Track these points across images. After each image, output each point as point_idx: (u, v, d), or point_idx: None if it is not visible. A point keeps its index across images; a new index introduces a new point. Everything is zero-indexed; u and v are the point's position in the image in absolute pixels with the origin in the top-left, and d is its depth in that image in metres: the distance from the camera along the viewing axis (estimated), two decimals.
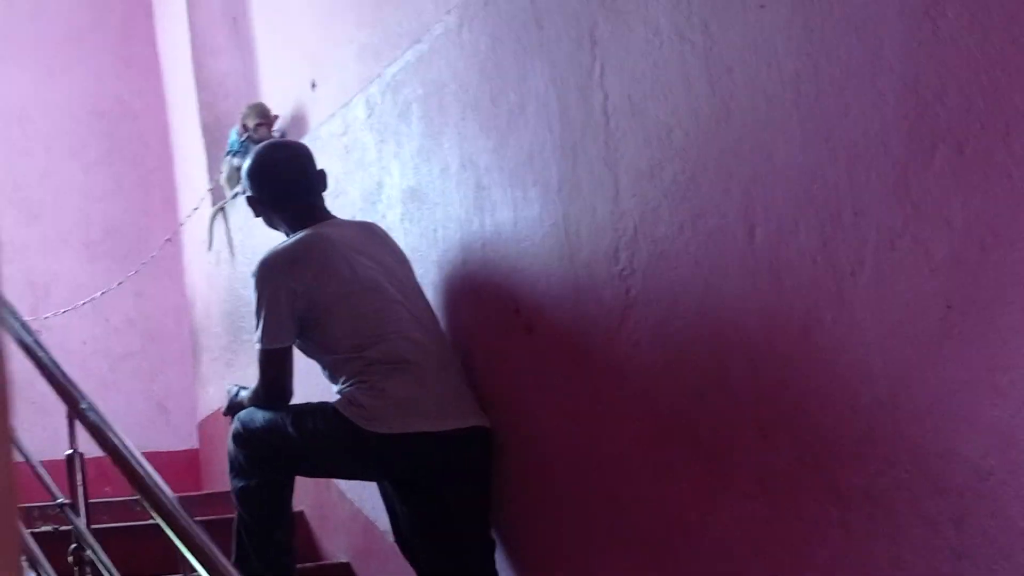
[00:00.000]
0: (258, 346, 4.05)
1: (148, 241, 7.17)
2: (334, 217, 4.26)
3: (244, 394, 4.19)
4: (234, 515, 5.57)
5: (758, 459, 2.91)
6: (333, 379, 4.03)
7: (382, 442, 3.83)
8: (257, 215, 4.32)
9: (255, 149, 4.45)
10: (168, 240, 7.01)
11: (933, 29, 2.41)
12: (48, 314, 6.92)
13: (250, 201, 4.31)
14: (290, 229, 4.18)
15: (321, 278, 3.97)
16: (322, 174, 4.26)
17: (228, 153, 6.12)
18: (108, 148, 7.48)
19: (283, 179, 4.24)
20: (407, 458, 3.87)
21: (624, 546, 3.37)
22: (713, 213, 3.00)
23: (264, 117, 5.97)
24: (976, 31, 2.34)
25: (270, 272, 4.03)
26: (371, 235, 4.21)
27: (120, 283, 7.01)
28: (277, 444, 3.99)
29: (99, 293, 7.00)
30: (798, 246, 2.75)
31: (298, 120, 5.85)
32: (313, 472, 4.45)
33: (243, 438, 4.06)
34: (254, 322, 4.05)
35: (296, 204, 4.21)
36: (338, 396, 3.95)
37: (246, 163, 4.37)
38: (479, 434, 3.89)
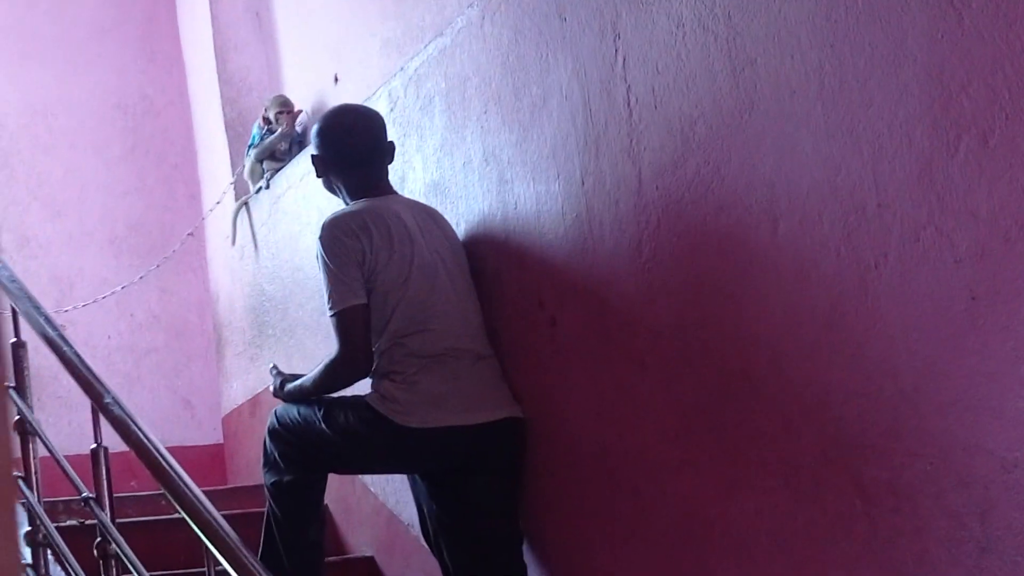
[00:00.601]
0: (331, 312, 3.90)
1: (172, 236, 7.18)
2: (396, 192, 4.19)
3: (291, 386, 4.11)
4: (261, 510, 5.60)
5: (781, 452, 2.90)
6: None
7: (415, 436, 3.81)
8: (319, 175, 4.20)
9: (329, 109, 4.33)
10: (190, 234, 7.02)
11: (957, 20, 2.40)
12: (69, 307, 6.94)
13: (315, 160, 4.18)
14: (350, 196, 4.11)
15: (385, 253, 3.89)
16: (391, 146, 4.17)
17: (250, 147, 6.13)
18: (132, 144, 7.49)
19: (353, 142, 4.13)
20: (440, 452, 3.85)
21: (647, 539, 3.37)
22: (736, 205, 2.99)
23: (285, 107, 5.98)
24: (1000, 21, 2.32)
25: (339, 232, 3.92)
26: (432, 219, 4.08)
27: (141, 277, 7.02)
28: (311, 440, 3.96)
29: (120, 287, 7.01)
30: (822, 238, 2.74)
31: (321, 114, 5.85)
32: (346, 468, 4.42)
33: (278, 434, 4.03)
34: (324, 289, 3.93)
35: (361, 171, 4.10)
36: (370, 388, 3.92)
37: (316, 123, 4.26)
38: (512, 425, 3.87)
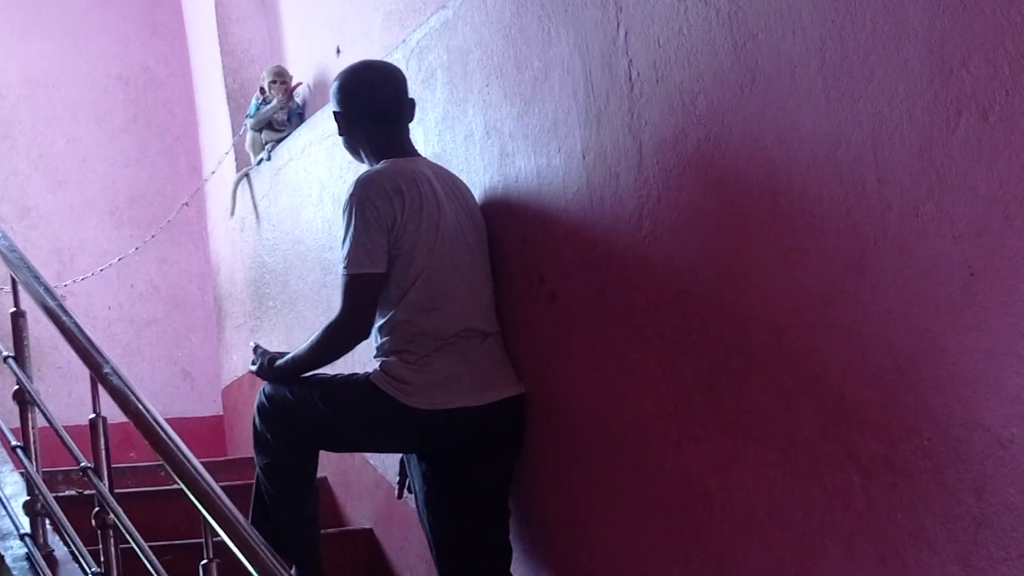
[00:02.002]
0: (343, 271, 3.81)
1: (172, 208, 7.20)
2: (420, 154, 4.10)
3: (282, 361, 4.02)
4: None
5: (780, 427, 2.90)
6: (375, 336, 3.90)
7: (423, 417, 3.77)
8: (341, 133, 4.09)
9: (349, 65, 4.20)
10: (185, 204, 7.03)
11: None
12: (68, 281, 6.95)
13: (337, 116, 4.07)
14: (375, 156, 4.00)
15: (417, 218, 3.80)
16: (412, 103, 4.09)
17: (248, 117, 6.13)
18: (133, 115, 7.50)
19: (377, 96, 4.03)
20: (448, 433, 3.80)
21: (646, 513, 3.38)
22: (736, 180, 2.99)
23: (279, 76, 5.98)
24: None
25: (372, 193, 3.80)
26: (456, 186, 3.99)
27: (137, 248, 7.03)
28: (307, 420, 3.90)
29: (117, 259, 7.01)
30: (821, 213, 2.74)
31: (323, 86, 5.86)
32: (343, 447, 4.40)
33: (269, 413, 3.95)
34: (341, 246, 3.83)
35: (386, 128, 4.01)
36: (377, 366, 3.85)
37: (336, 79, 4.14)
38: (517, 403, 3.85)
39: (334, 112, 4.08)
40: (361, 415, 3.85)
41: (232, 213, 6.47)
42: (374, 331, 3.89)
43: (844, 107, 2.66)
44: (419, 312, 3.80)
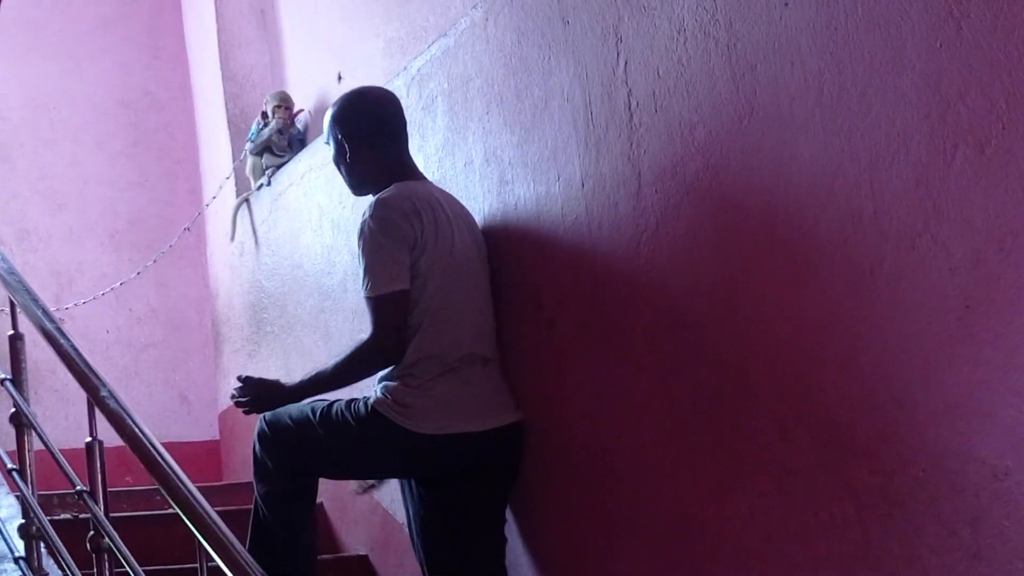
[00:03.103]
0: (369, 295, 3.75)
1: (172, 232, 7.20)
2: (427, 178, 4.07)
3: (304, 379, 3.94)
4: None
5: (776, 456, 2.91)
6: None
7: (428, 442, 3.74)
8: (343, 159, 3.99)
9: (341, 99, 4.13)
10: (187, 229, 7.03)
11: (956, 29, 2.41)
12: (68, 305, 6.95)
13: (340, 142, 3.98)
14: (384, 178, 3.92)
15: (433, 240, 3.77)
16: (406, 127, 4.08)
17: (249, 140, 6.14)
18: (134, 139, 7.51)
19: (384, 113, 4.01)
20: (451, 458, 3.78)
21: (642, 540, 3.38)
22: (734, 210, 3.00)
23: (284, 102, 5.99)
24: (999, 31, 2.33)
25: (393, 214, 3.75)
26: (462, 211, 3.97)
27: (138, 273, 7.04)
28: (308, 447, 3.86)
29: (119, 283, 7.02)
30: (818, 244, 2.75)
31: (324, 113, 5.86)
32: (343, 474, 4.37)
33: (270, 439, 3.91)
34: (363, 271, 3.77)
35: (396, 147, 3.99)
36: (378, 390, 3.82)
37: (333, 107, 4.07)
38: (515, 430, 3.84)
39: (335, 138, 4.01)
40: (362, 441, 3.82)
41: (232, 238, 6.47)
42: None
43: (841, 138, 2.67)
44: (427, 335, 3.77)
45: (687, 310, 3.18)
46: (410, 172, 3.98)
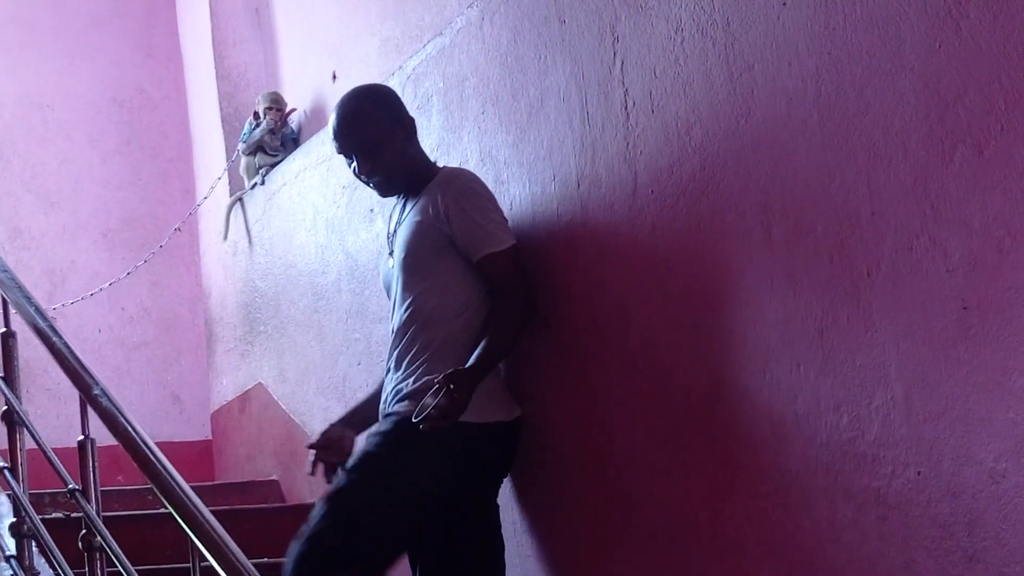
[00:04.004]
0: (500, 248, 3.59)
1: (165, 231, 7.18)
2: None
3: (474, 360, 3.53)
4: (248, 506, 5.59)
5: (771, 459, 2.90)
6: (442, 346, 3.63)
7: (513, 430, 3.67)
8: (398, 151, 3.75)
9: (369, 88, 3.97)
10: (177, 229, 7.02)
11: (955, 29, 2.40)
12: (57, 305, 6.93)
13: (401, 125, 3.78)
14: (419, 177, 3.76)
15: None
16: None
17: (241, 141, 6.13)
18: (127, 137, 7.49)
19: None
20: (505, 448, 3.69)
21: (635, 542, 3.37)
22: (731, 211, 2.99)
23: (275, 102, 5.99)
24: (998, 32, 2.32)
25: (480, 181, 3.70)
26: None
27: (128, 273, 7.01)
28: (405, 525, 3.60)
29: (107, 284, 7.00)
30: (815, 245, 2.74)
31: (318, 112, 5.86)
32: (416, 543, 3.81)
33: (348, 524, 3.57)
34: (479, 229, 3.60)
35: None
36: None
37: (367, 98, 3.84)
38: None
39: (399, 121, 3.79)
40: (486, 466, 3.68)
41: (225, 237, 6.46)
42: (412, 353, 3.68)
43: (839, 139, 2.67)
44: (480, 321, 3.65)
45: (682, 311, 3.17)
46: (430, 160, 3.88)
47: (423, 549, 3.74)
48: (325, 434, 3.89)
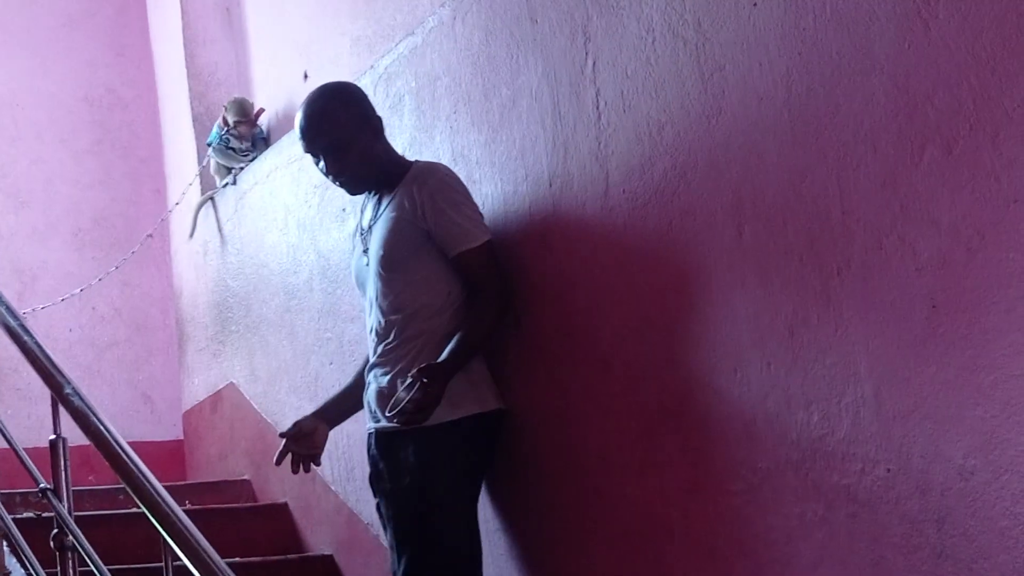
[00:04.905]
0: (475, 244, 3.59)
1: (136, 231, 7.16)
2: None
3: (446, 355, 3.54)
4: (220, 505, 5.57)
5: (742, 457, 2.91)
6: (428, 341, 3.62)
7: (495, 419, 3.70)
8: (365, 149, 3.73)
9: (336, 86, 3.93)
10: (149, 236, 7.00)
11: (924, 30, 2.42)
12: (28, 309, 6.90)
13: (370, 124, 3.76)
14: (389, 174, 3.74)
15: None
16: None
17: (209, 145, 6.12)
18: (99, 137, 7.46)
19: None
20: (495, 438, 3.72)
21: (607, 541, 3.38)
22: (702, 210, 3.00)
23: (244, 115, 5.97)
24: (967, 32, 2.34)
25: (455, 176, 3.70)
26: None
27: (100, 279, 6.99)
28: (470, 524, 3.67)
29: (78, 290, 6.97)
30: (786, 244, 2.75)
31: (290, 111, 5.85)
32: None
33: (429, 551, 3.59)
34: (455, 225, 3.59)
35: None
36: (463, 389, 3.59)
37: (330, 96, 3.80)
38: None
39: (367, 119, 3.77)
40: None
41: (191, 235, 6.45)
42: (397, 348, 3.69)
43: (810, 139, 2.68)
44: (459, 314, 3.66)
45: (655, 310, 3.18)
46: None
47: (412, 538, 3.67)
48: (298, 424, 3.91)
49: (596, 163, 3.35)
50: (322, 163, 3.79)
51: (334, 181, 3.83)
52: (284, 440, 3.89)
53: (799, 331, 2.74)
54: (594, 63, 3.35)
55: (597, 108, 3.34)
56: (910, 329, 2.48)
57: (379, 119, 3.82)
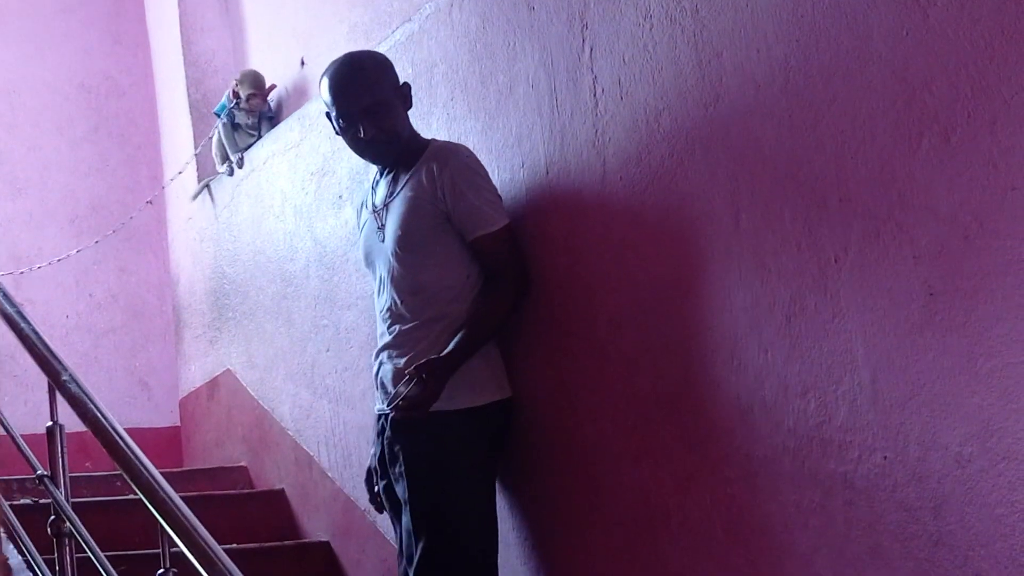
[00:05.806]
0: (495, 227, 3.55)
1: (134, 218, 7.16)
2: None
3: (453, 347, 3.53)
4: (217, 492, 5.58)
5: (738, 444, 2.91)
6: (451, 323, 3.59)
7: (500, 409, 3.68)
8: (399, 116, 3.67)
9: (370, 52, 3.92)
10: (149, 202, 7.00)
11: (923, 17, 2.41)
12: (23, 269, 6.91)
13: (402, 98, 3.70)
14: (410, 149, 3.69)
15: None
16: None
17: (216, 113, 6.07)
18: (95, 124, 7.46)
19: None
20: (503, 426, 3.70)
21: (603, 528, 3.38)
22: (699, 197, 3.00)
23: (259, 88, 5.92)
24: (965, 21, 2.34)
25: (476, 158, 3.65)
26: None
27: (97, 242, 6.99)
28: (487, 511, 3.64)
29: (66, 255, 6.96)
30: (783, 232, 2.75)
31: (287, 98, 5.85)
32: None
33: (443, 535, 3.56)
34: (474, 208, 3.55)
35: None
36: (471, 378, 3.58)
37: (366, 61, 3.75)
38: None
39: (400, 88, 3.72)
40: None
41: (194, 198, 6.44)
42: (416, 329, 3.64)
43: (807, 126, 2.68)
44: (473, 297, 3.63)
45: (651, 299, 3.18)
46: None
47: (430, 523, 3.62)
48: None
49: (593, 150, 3.35)
50: (353, 127, 3.66)
51: (365, 146, 3.70)
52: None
53: (796, 319, 2.74)
54: (591, 50, 3.34)
55: (594, 95, 3.33)
56: (907, 317, 2.48)
57: (409, 87, 3.75)
